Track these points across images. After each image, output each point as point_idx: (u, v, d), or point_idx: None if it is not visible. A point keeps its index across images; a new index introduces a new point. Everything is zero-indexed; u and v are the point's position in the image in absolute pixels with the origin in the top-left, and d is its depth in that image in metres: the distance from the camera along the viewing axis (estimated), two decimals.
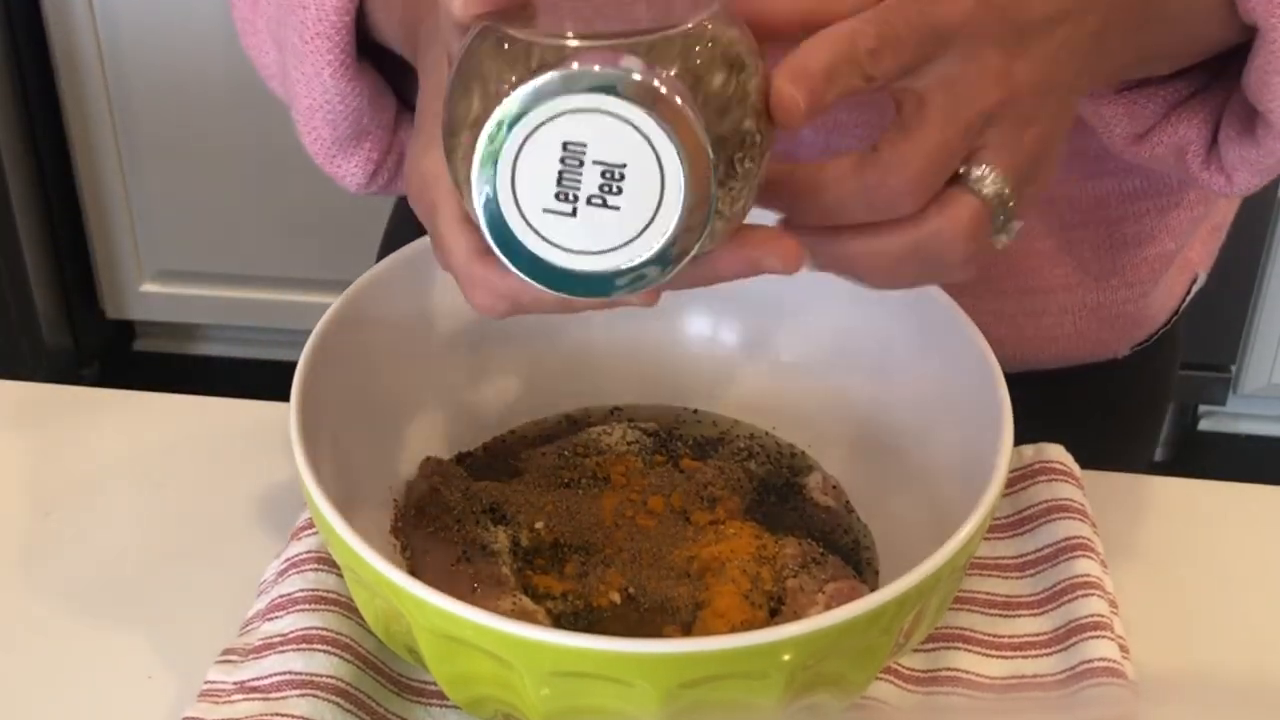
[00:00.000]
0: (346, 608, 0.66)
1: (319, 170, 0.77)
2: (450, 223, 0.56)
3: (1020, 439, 0.75)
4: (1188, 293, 0.91)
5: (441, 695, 0.66)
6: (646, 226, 0.49)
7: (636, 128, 0.48)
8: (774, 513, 0.70)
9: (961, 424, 0.66)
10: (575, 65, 0.47)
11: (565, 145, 0.48)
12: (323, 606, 0.66)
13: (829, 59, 0.53)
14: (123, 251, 1.98)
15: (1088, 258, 0.83)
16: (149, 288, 2.01)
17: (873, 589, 0.63)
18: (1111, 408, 0.92)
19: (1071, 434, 0.76)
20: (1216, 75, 0.70)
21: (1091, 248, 0.83)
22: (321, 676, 0.64)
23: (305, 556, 0.69)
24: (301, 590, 0.67)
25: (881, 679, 0.66)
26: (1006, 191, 0.57)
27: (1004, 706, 0.66)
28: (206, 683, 0.65)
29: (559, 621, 0.64)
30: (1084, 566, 0.70)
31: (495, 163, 0.48)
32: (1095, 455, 0.77)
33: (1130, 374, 0.91)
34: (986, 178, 0.57)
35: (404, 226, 0.80)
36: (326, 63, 0.68)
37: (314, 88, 0.69)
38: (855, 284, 0.60)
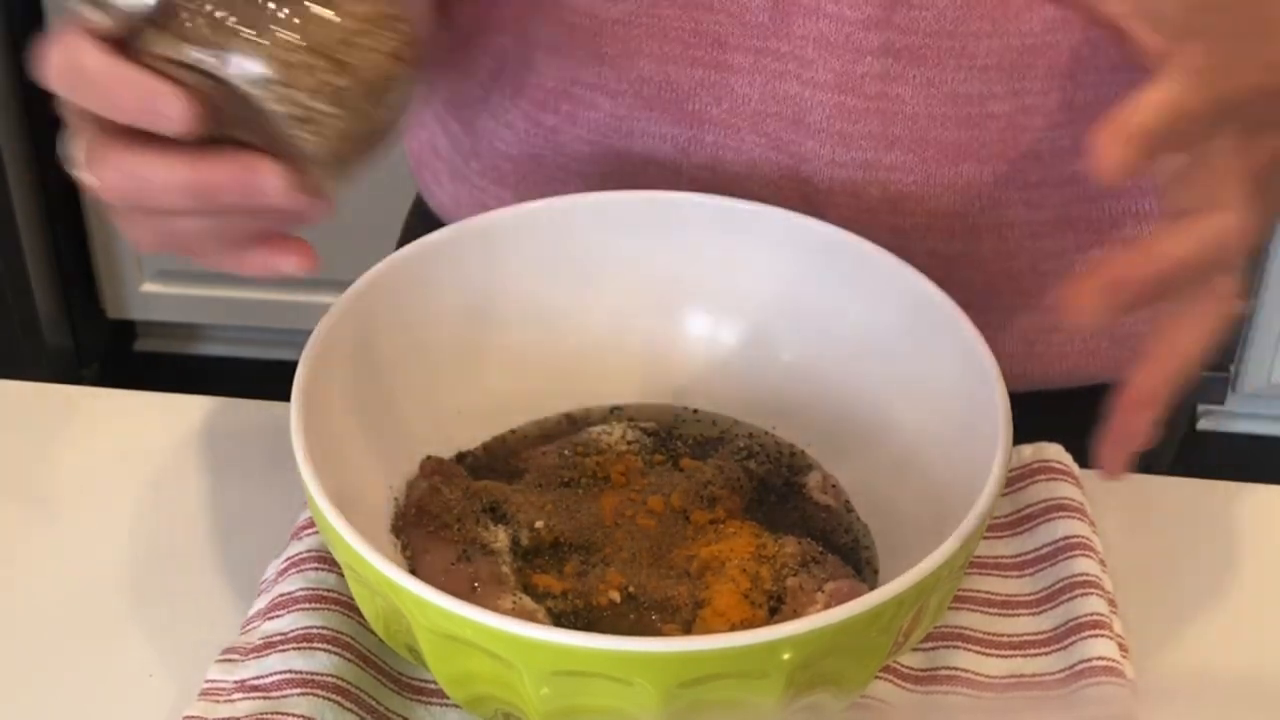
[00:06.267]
0: (347, 607, 0.67)
1: None
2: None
3: None
4: None
5: (442, 694, 0.66)
6: None
7: None
8: (773, 512, 0.70)
9: (960, 423, 0.66)
10: None
11: None
12: (323, 605, 0.67)
13: (1159, 119, 0.55)
14: (123, 251, 1.98)
15: None
16: (150, 287, 2.01)
17: (872, 588, 0.63)
18: None
19: (1083, 453, 0.76)
20: None
21: None
22: (322, 675, 0.64)
23: (306, 556, 0.69)
24: (302, 589, 0.67)
25: (881, 678, 0.66)
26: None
27: (1004, 705, 0.66)
28: (207, 682, 0.65)
29: (559, 620, 0.64)
30: (1083, 565, 0.70)
31: None
32: None
33: None
34: None
35: (417, 230, 0.81)
36: None
37: None
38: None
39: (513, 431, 0.74)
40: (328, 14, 0.56)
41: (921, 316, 0.70)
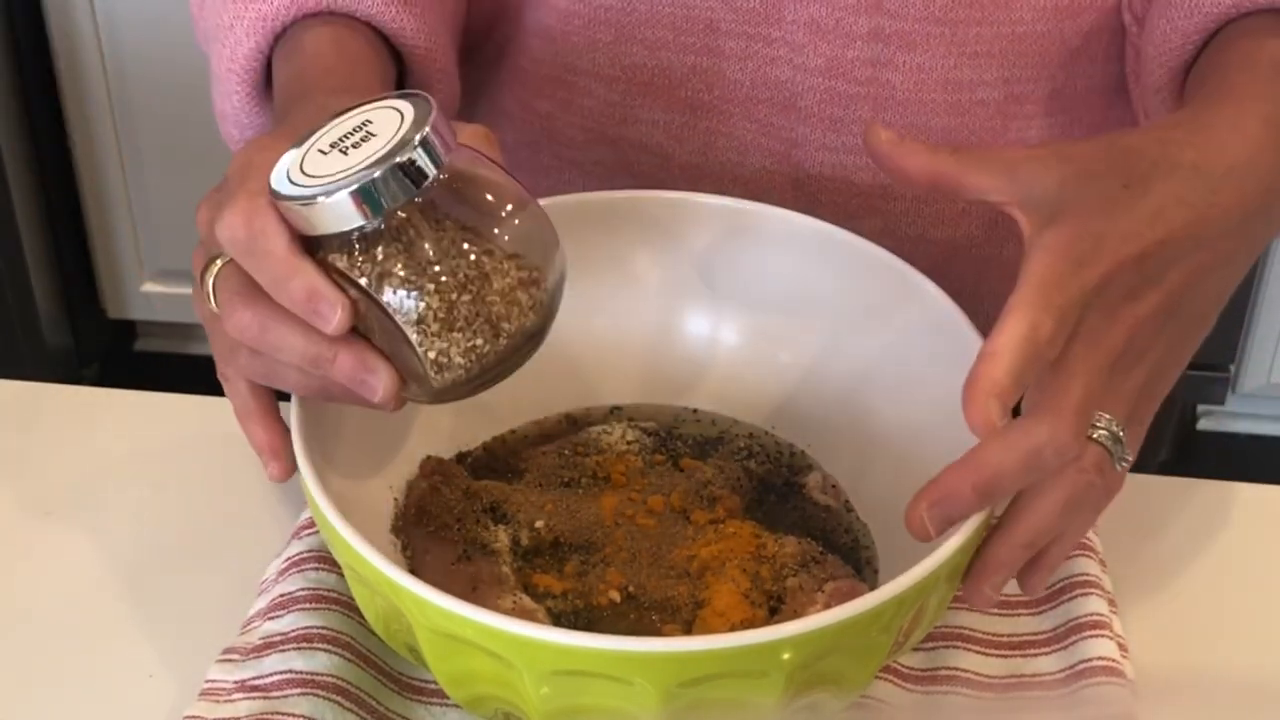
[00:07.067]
0: (347, 607, 0.67)
1: None
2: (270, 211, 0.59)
3: None
4: None
5: (442, 694, 0.66)
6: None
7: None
8: (773, 512, 0.70)
9: (960, 424, 0.66)
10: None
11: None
12: (323, 605, 0.67)
13: (1018, 364, 0.56)
14: (124, 251, 1.97)
15: None
16: (150, 288, 2.01)
17: (872, 588, 0.63)
18: None
19: None
20: None
21: None
22: (322, 675, 0.64)
23: (306, 555, 0.69)
24: (302, 589, 0.67)
25: (881, 678, 0.67)
26: (1117, 431, 0.60)
27: (1004, 705, 0.66)
28: (207, 682, 0.66)
29: (559, 620, 0.64)
30: (1083, 566, 0.70)
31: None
32: None
33: None
34: (1101, 425, 0.59)
35: None
36: (235, 90, 0.74)
37: (228, 102, 0.75)
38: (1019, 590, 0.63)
39: (513, 431, 0.74)
40: (498, 281, 0.59)
41: (922, 316, 0.70)
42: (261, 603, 0.68)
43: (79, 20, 1.81)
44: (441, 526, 0.67)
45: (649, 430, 0.73)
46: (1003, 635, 0.69)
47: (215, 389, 0.84)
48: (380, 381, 0.59)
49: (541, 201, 0.75)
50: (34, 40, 1.82)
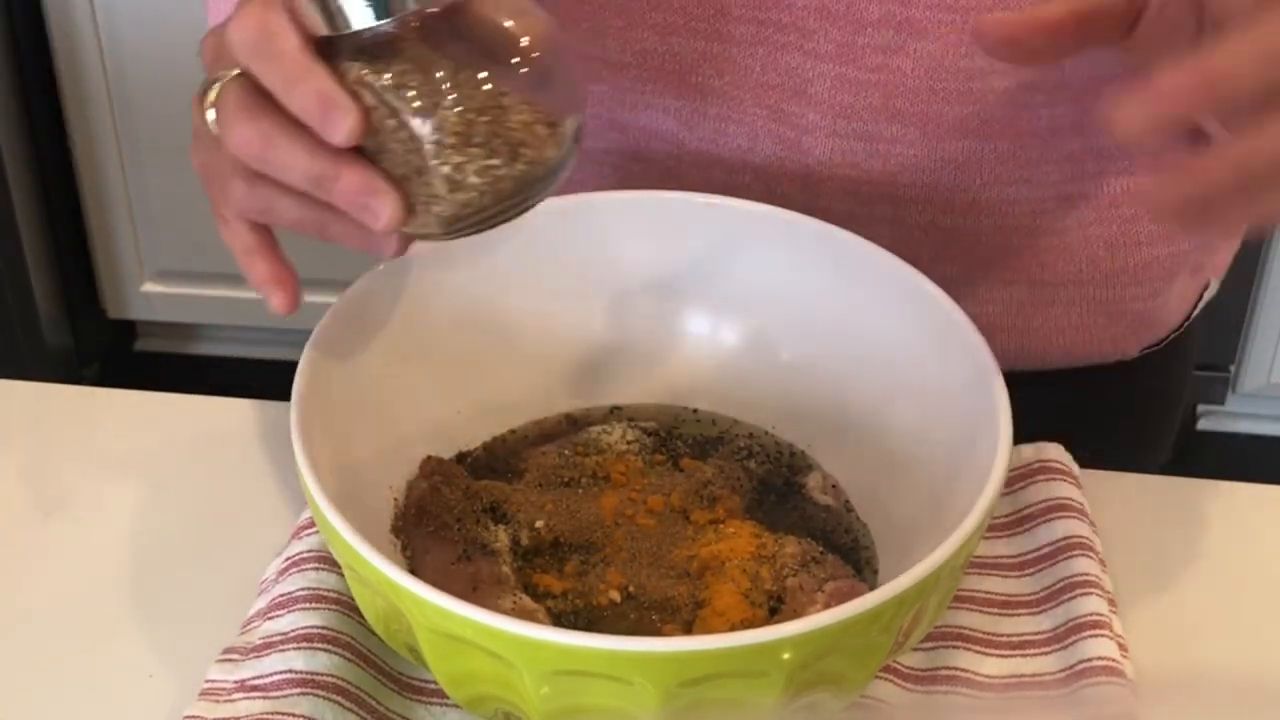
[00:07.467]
0: (347, 606, 0.67)
1: None
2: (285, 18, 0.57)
3: (1029, 441, 0.75)
4: (1200, 298, 0.91)
5: (442, 694, 0.66)
6: None
7: None
8: (774, 512, 0.70)
9: (960, 423, 0.66)
10: None
11: None
12: (323, 605, 0.67)
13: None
14: (124, 251, 1.98)
15: (1100, 254, 0.83)
16: (150, 287, 2.01)
17: (872, 588, 0.63)
18: (1121, 412, 0.92)
19: (1080, 438, 0.76)
20: None
21: (1105, 244, 0.83)
22: (322, 675, 0.64)
23: (306, 555, 0.69)
24: (302, 589, 0.67)
25: (881, 678, 0.67)
26: None
27: (1004, 705, 0.66)
28: (207, 681, 0.66)
29: (559, 620, 0.64)
30: (1083, 565, 0.70)
31: None
32: (1104, 461, 0.77)
33: (1140, 377, 0.90)
34: None
35: None
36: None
37: (226, 3, 0.73)
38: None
39: (513, 431, 0.74)
40: (521, 105, 0.58)
41: (922, 316, 0.70)
42: (261, 603, 0.69)
43: (79, 20, 1.81)
44: (441, 526, 0.67)
45: (649, 430, 0.73)
46: (1003, 635, 0.69)
47: (215, 389, 0.84)
48: (385, 205, 0.57)
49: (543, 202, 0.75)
50: (34, 40, 1.83)
